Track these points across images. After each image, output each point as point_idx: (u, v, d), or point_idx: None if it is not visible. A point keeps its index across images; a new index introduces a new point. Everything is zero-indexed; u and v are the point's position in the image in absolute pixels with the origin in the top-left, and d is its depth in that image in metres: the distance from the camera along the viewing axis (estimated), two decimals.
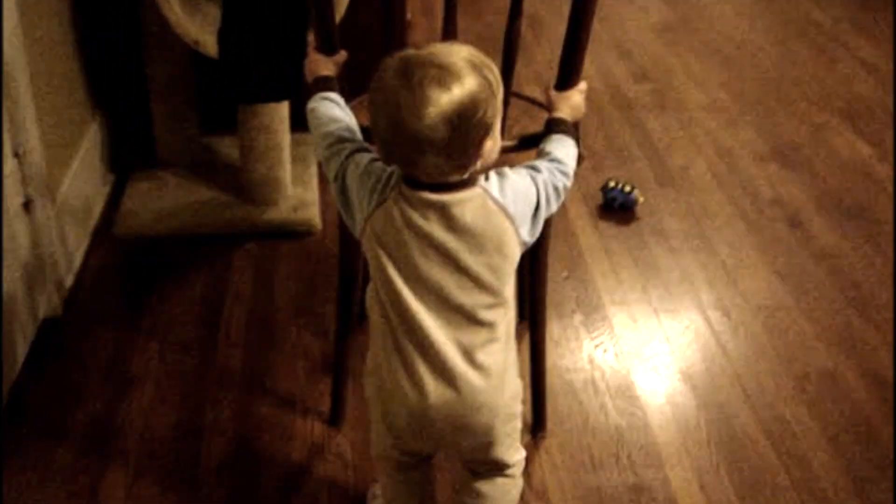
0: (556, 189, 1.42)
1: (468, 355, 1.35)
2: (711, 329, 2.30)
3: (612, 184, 2.74)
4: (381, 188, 1.33)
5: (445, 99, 1.22)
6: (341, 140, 1.43)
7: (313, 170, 2.76)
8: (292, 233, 2.57)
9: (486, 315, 1.35)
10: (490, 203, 1.33)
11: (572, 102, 1.57)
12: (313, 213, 2.60)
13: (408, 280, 1.33)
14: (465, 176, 1.30)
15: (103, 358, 2.16)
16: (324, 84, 1.55)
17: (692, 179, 2.91)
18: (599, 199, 2.77)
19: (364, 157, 1.38)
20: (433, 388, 1.35)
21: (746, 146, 3.09)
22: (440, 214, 1.30)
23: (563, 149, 1.48)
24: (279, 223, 2.57)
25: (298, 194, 2.65)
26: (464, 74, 1.23)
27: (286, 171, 2.60)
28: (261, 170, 2.56)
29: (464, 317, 1.35)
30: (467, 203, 1.31)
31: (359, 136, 1.44)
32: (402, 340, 1.35)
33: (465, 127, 1.24)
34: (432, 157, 1.25)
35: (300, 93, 2.34)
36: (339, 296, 1.90)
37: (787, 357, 2.21)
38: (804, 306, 2.38)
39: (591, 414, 2.04)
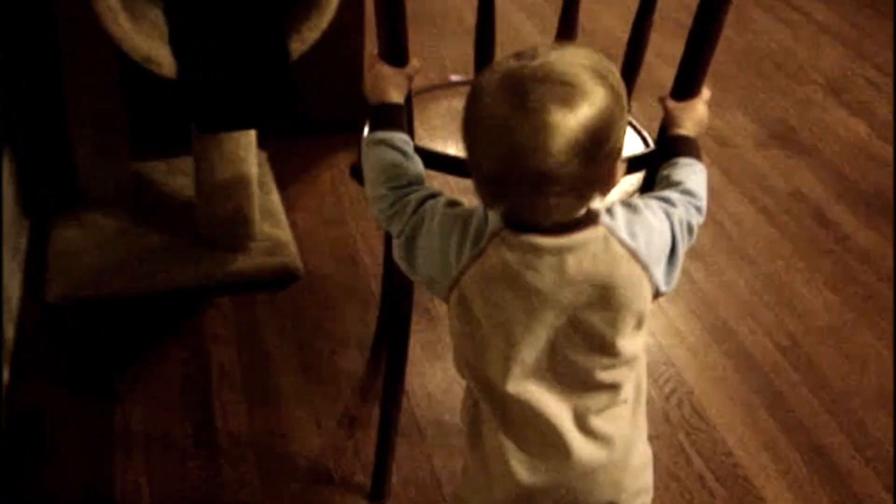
0: (689, 229, 1.19)
1: (583, 424, 1.12)
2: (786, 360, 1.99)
3: None
4: (475, 236, 1.08)
5: (573, 123, 0.97)
6: (401, 188, 1.19)
7: (276, 195, 2.30)
8: (271, 282, 2.12)
9: (605, 376, 1.12)
10: (616, 246, 1.07)
11: (697, 115, 1.32)
12: (293, 255, 2.15)
13: (510, 342, 1.08)
14: (584, 211, 1.06)
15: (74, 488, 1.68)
16: (387, 115, 1.26)
17: None
18: None
19: (439, 204, 1.14)
20: (540, 464, 1.13)
21: (740, 131, 2.80)
22: (554, 262, 1.05)
23: (695, 176, 1.24)
24: (253, 272, 2.11)
25: (270, 233, 2.19)
26: (590, 88, 0.98)
27: (255, 208, 2.14)
28: (225, 208, 2.09)
29: (579, 380, 1.11)
30: (588, 246, 1.06)
31: (423, 182, 1.21)
32: (500, 412, 1.12)
33: (599, 154, 1.00)
34: (556, 197, 1.01)
35: (283, 112, 1.94)
36: (386, 340, 1.61)
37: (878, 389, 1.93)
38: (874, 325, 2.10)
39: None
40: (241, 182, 2.07)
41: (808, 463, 1.78)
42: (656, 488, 1.24)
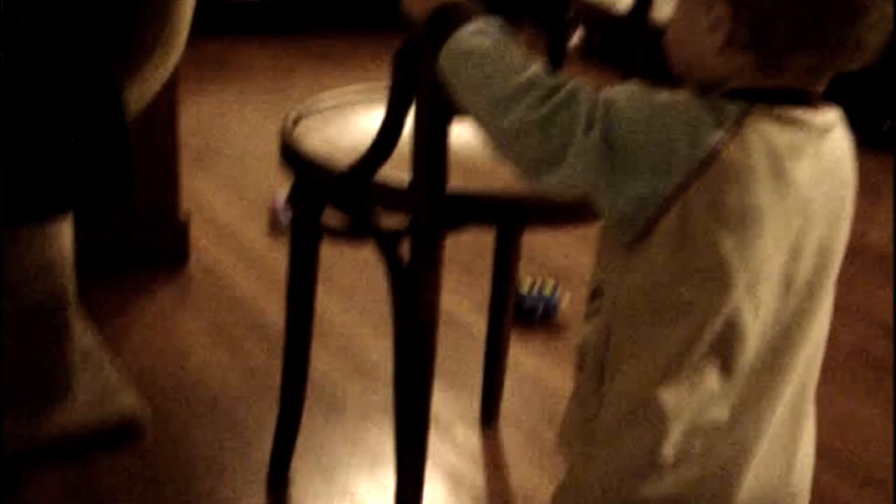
0: None
1: (803, 413, 0.91)
2: None
3: (525, 287, 1.98)
4: (715, 117, 0.79)
5: None
6: (542, 75, 0.85)
7: (91, 338, 1.74)
8: (106, 440, 1.54)
9: (820, 335, 0.90)
10: (847, 137, 0.88)
11: None
12: (132, 400, 1.59)
13: (769, 283, 0.83)
14: None
15: None
16: (468, 8, 0.90)
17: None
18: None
19: (617, 88, 0.84)
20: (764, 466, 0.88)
21: None
22: (816, 149, 0.83)
23: None
24: (80, 432, 1.52)
25: (94, 379, 1.62)
26: None
27: (72, 340, 1.57)
28: (30, 353, 1.51)
29: (812, 342, 0.89)
30: (838, 131, 0.86)
31: None
32: (748, 388, 0.85)
33: None
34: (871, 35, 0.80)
35: (117, 188, 1.44)
36: None
37: None
38: None
39: None
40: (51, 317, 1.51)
41: None
42: None
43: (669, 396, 0.82)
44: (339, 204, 1.22)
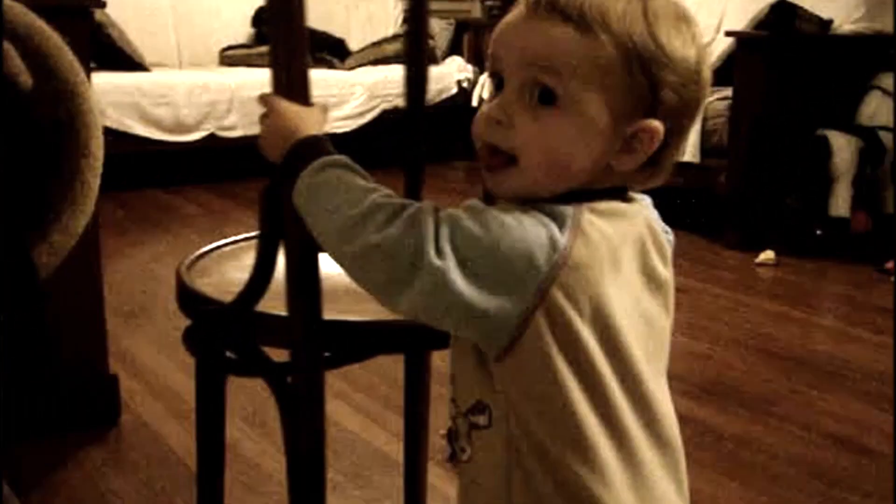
0: None
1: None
2: None
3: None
4: (555, 218, 0.83)
5: None
6: (391, 198, 0.87)
7: None
8: None
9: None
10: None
11: None
12: None
13: (622, 365, 0.87)
14: None
15: None
16: (316, 148, 0.93)
17: None
18: (445, 452, 1.98)
19: (462, 206, 0.86)
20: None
21: None
22: (632, 234, 0.89)
23: None
24: None
25: None
26: None
27: None
28: None
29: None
30: (644, 212, 0.93)
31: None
32: (642, 437, 0.89)
33: None
34: None
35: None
36: None
37: None
38: None
39: None
40: None
41: None
42: None
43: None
44: (228, 341, 1.22)
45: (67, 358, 2.00)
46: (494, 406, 0.87)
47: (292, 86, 1.00)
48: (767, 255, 3.51)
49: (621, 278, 0.86)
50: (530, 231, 0.81)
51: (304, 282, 1.06)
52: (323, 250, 0.91)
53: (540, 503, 0.86)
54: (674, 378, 0.93)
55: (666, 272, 0.92)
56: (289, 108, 0.97)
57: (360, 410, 2.18)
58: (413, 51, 1.37)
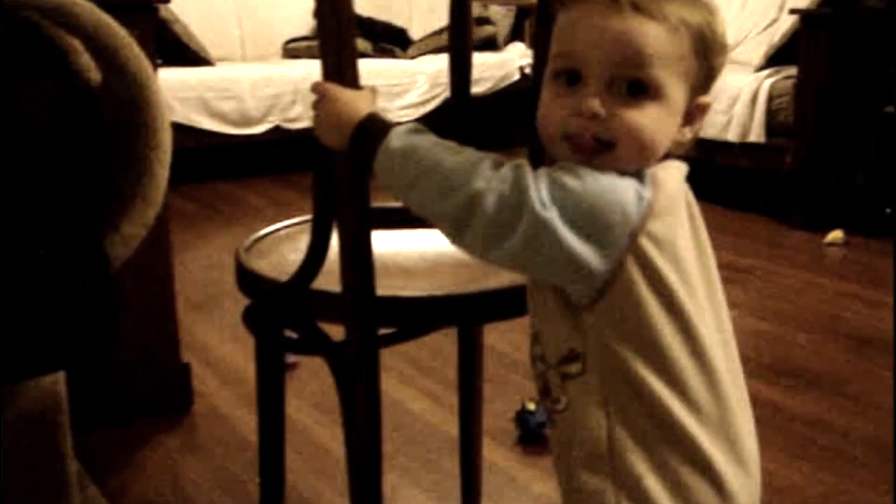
0: None
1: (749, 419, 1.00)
2: None
3: (530, 405, 1.98)
4: (638, 178, 0.92)
5: None
6: (497, 157, 0.93)
7: (94, 490, 1.73)
8: None
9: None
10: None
11: None
12: None
13: (698, 307, 0.94)
14: None
15: None
16: (379, 124, 0.98)
17: None
18: (514, 431, 1.99)
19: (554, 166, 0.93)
20: (738, 476, 0.95)
21: None
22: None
23: None
24: None
25: None
26: None
27: (69, 495, 1.56)
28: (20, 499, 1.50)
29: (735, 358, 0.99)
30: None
31: None
32: (727, 376, 0.96)
33: None
34: None
35: (99, 346, 1.44)
36: None
37: None
38: None
39: None
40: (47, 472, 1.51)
41: None
42: None
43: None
44: (286, 319, 1.24)
45: (140, 347, 2.05)
46: (588, 352, 0.93)
47: (342, 72, 1.04)
48: (836, 234, 3.47)
49: (682, 221, 0.95)
50: (620, 185, 0.90)
51: (357, 259, 1.09)
52: (418, 214, 0.96)
53: (639, 439, 0.92)
54: (742, 359, 0.96)
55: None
56: (342, 92, 1.03)
57: (428, 395, 2.21)
58: (456, 38, 1.41)
